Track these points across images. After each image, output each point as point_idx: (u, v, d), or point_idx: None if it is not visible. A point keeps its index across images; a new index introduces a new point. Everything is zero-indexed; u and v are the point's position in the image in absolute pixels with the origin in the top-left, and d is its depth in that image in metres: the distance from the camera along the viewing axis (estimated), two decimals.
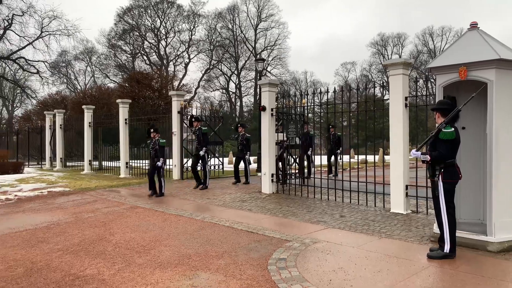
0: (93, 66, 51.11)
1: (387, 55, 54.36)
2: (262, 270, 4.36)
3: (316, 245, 5.21)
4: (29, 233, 6.48)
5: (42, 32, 38.02)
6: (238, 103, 54.41)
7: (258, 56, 47.82)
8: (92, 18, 65.25)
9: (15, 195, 10.16)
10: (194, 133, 11.12)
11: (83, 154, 17.07)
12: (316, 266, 4.41)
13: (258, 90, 42.09)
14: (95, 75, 50.87)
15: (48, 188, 11.34)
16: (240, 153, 12.05)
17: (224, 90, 54.06)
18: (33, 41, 37.95)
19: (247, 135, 12.11)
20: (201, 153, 10.60)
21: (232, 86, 54.30)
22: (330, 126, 14.04)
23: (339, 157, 13.58)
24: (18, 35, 37.33)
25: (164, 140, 9.87)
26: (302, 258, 4.70)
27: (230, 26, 51.74)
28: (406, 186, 7.04)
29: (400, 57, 50.59)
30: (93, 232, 6.39)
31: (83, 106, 17.05)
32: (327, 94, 8.91)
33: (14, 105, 52.31)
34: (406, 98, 7.09)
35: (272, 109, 9.67)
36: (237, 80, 53.51)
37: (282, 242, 5.40)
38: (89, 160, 16.62)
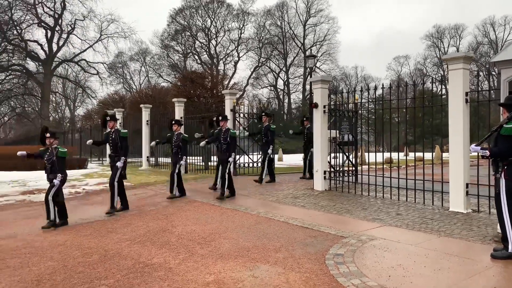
0: (147, 66, 53.29)
1: (444, 47, 51.91)
2: (320, 264, 4.47)
3: (373, 242, 5.22)
4: (99, 224, 7.02)
5: (101, 35, 40.35)
6: (286, 100, 54.44)
7: (307, 52, 47.51)
8: (146, 20, 68.00)
9: (83, 189, 10.96)
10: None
11: (140, 151, 17.96)
12: (374, 262, 4.44)
13: (307, 86, 41.94)
14: (149, 75, 53.02)
15: None
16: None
17: (272, 87, 54.29)
18: (93, 44, 40.35)
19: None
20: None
21: (280, 83, 54.43)
22: (304, 119, 12.23)
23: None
24: (80, 38, 39.88)
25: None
26: (359, 254, 4.75)
27: (278, 23, 51.81)
28: (467, 185, 6.81)
29: (457, 49, 48.15)
30: (157, 224, 6.79)
31: (141, 105, 17.92)
32: (382, 89, 8.76)
33: (76, 105, 55.78)
34: (466, 94, 6.85)
35: (324, 106, 9.68)
36: (285, 77, 53.52)
37: (338, 238, 5.46)
38: (147, 157, 17.46)
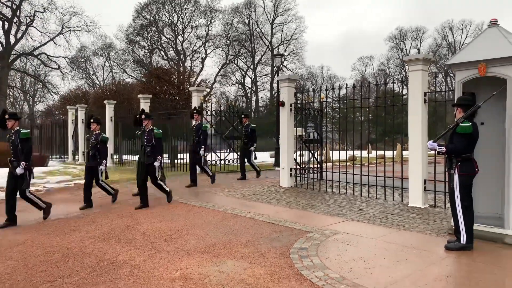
0: (111, 62, 51.90)
1: (406, 49, 53.69)
2: (285, 258, 4.58)
3: (336, 236, 5.40)
4: (62, 222, 6.84)
5: (63, 28, 38.84)
6: (254, 98, 54.62)
7: (274, 50, 47.85)
8: (111, 14, 66.15)
9: (44, 187, 10.60)
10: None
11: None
12: (336, 255, 4.60)
13: (274, 85, 42.28)
14: (113, 71, 51.69)
15: (74, 180, 11.77)
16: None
17: (240, 85, 54.31)
18: (54, 37, 38.78)
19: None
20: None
21: (248, 81, 54.53)
22: (243, 116, 11.82)
23: (253, 156, 11.72)
24: (39, 31, 38.21)
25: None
26: (323, 248, 4.90)
27: (246, 21, 51.85)
28: (425, 181, 7.15)
29: (418, 51, 49.95)
30: (121, 221, 6.70)
31: (105, 101, 17.50)
32: (346, 89, 9.02)
33: (35, 100, 53.58)
34: (425, 94, 7.18)
35: (291, 104, 9.83)
36: (253, 75, 53.68)
37: (303, 233, 5.60)
38: (111, 154, 17.05)
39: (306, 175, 10.17)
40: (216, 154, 13.84)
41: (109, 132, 16.95)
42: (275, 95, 40.53)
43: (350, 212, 6.93)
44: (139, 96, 15.53)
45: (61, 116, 23.29)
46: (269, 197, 8.60)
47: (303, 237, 5.38)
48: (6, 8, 36.54)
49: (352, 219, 6.43)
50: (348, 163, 13.84)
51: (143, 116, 8.02)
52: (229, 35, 51.05)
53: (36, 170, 13.79)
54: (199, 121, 10.33)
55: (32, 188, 10.29)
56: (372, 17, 73.99)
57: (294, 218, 6.60)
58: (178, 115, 14.74)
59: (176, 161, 15.09)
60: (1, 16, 36.40)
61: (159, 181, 7.99)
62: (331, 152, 18.35)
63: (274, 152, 17.08)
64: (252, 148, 11.37)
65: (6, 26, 36.78)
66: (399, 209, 7.03)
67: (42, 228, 6.44)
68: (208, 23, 50.33)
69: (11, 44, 37.44)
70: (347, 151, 11.34)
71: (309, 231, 5.68)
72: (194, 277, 4.11)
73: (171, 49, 50.68)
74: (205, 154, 10.56)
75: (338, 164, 12.39)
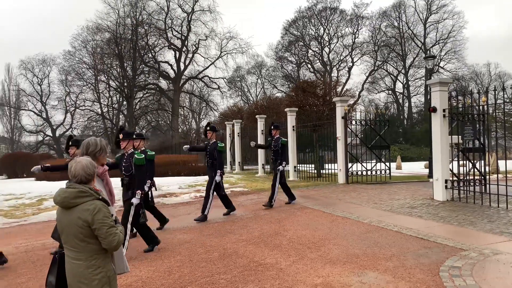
0: (262, 78, 55.65)
1: None
2: (433, 275, 4.29)
3: (498, 257, 4.78)
4: (219, 225, 7.70)
5: (221, 52, 43.56)
6: (406, 104, 51.33)
7: (428, 52, 44.33)
8: (261, 34, 71.19)
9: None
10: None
11: (256, 159, 18.93)
12: (496, 277, 4.09)
13: (428, 89, 38.99)
14: (264, 87, 55.28)
15: (231, 188, 13.03)
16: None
17: (390, 91, 51.79)
18: (214, 61, 43.76)
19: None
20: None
21: (399, 86, 51.63)
22: (272, 127, 9.49)
23: (278, 176, 9.14)
24: (203, 56, 43.65)
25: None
26: (479, 268, 4.41)
27: (396, 24, 49.38)
28: None
29: None
30: (270, 227, 7.19)
31: (256, 116, 18.93)
32: None
33: (201, 117, 60.93)
34: None
35: (444, 110, 9.06)
36: (404, 79, 50.61)
37: (456, 251, 5.12)
38: (262, 164, 18.31)
39: (465, 188, 9.16)
40: (362, 165, 13.56)
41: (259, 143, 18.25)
42: (429, 100, 37.44)
43: None
44: (286, 109, 16.33)
45: (221, 131, 25.98)
46: (420, 210, 8.06)
47: (456, 255, 4.93)
48: (177, 40, 42.83)
49: None
50: None
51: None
52: (377, 41, 49.35)
53: (200, 179, 15.75)
54: (214, 140, 8.38)
55: (197, 194, 11.83)
56: None
57: (447, 234, 6.06)
58: (323, 126, 14.99)
59: (322, 171, 15.31)
60: (173, 47, 42.81)
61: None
62: (502, 162, 16.01)
63: (427, 162, 15.81)
64: (280, 168, 9.15)
65: (177, 55, 43.09)
66: None
67: (204, 230, 7.37)
68: (355, 31, 49.64)
69: (181, 70, 43.62)
70: None
71: (464, 249, 5.16)
72: (336, 285, 4.19)
73: (317, 61, 51.59)
74: (222, 179, 8.47)
75: (505, 175, 10.78)
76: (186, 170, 19.68)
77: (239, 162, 21.24)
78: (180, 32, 42.84)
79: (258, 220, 7.97)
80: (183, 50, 43.31)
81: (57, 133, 44.84)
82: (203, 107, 56.69)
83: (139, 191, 5.71)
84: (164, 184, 14.76)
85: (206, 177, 9.61)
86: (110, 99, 43.54)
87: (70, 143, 6.31)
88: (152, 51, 42.41)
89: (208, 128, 8.43)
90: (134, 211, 5.77)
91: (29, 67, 43.73)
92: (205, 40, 42.71)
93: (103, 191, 2.99)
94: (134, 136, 6.66)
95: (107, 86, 41.99)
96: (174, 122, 43.37)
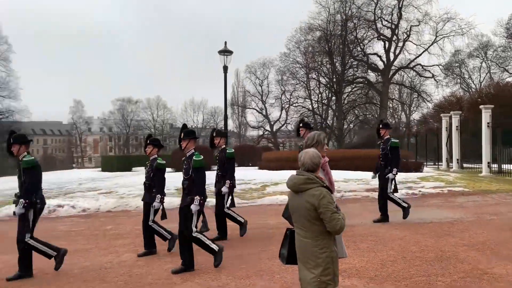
0: (488, 62, 48.13)
1: None
2: None
3: None
4: (435, 226, 7.22)
5: (436, 36, 39.80)
6: None
7: None
8: (488, 9, 61.46)
9: (419, 191, 11.40)
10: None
11: (479, 156, 16.67)
12: None
13: None
14: (491, 71, 47.72)
15: (447, 187, 11.94)
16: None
17: None
18: (428, 47, 40.31)
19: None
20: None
21: None
22: (381, 126, 7.84)
23: (391, 186, 7.33)
24: (414, 44, 40.81)
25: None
26: None
27: None
28: None
29: None
30: (499, 234, 6.32)
31: (481, 106, 16.61)
32: None
33: (411, 109, 57.36)
34: None
35: None
36: None
37: None
38: (488, 163, 16.01)
39: None
40: None
41: (485, 140, 15.97)
42: None
43: None
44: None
45: (435, 124, 23.91)
46: None
47: None
48: (387, 29, 41.44)
49: None
50: None
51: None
52: None
53: (411, 176, 14.97)
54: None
55: (409, 191, 11.34)
56: None
57: None
58: None
59: None
60: (383, 37, 41.61)
61: None
62: None
63: None
64: (390, 175, 7.43)
65: (386, 46, 41.72)
66: None
67: (419, 228, 7.03)
68: None
69: (391, 60, 42.04)
70: None
71: None
72: None
73: None
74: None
75: None
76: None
77: (457, 159, 19.13)
78: (390, 21, 41.25)
79: (482, 224, 7.11)
80: (393, 39, 41.58)
81: (274, 128, 50.06)
82: (414, 98, 53.37)
83: (197, 196, 5.02)
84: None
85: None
86: (320, 95, 45.76)
87: (148, 141, 6.06)
88: (361, 44, 42.28)
89: (301, 125, 7.21)
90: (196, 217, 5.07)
91: (253, 70, 50.23)
92: (417, 25, 39.86)
93: (325, 180, 3.27)
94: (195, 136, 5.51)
95: (318, 83, 44.26)
96: (382, 115, 42.23)
